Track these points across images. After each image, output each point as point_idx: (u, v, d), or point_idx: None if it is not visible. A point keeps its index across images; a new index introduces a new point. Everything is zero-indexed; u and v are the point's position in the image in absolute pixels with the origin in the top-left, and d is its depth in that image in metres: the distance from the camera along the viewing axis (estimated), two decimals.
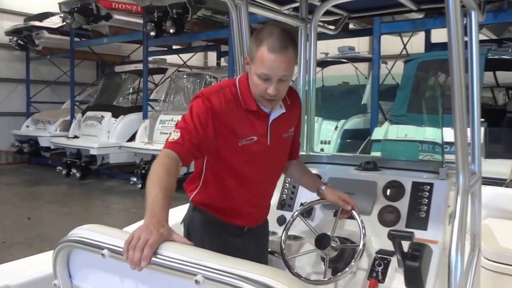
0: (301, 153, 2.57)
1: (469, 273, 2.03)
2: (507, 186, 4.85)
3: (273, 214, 2.18)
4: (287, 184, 2.22)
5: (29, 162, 12.50)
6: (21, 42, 12.23)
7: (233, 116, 1.70)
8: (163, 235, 1.22)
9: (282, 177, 2.26)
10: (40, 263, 1.97)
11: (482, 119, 5.49)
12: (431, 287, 1.71)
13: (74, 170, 10.18)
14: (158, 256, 1.15)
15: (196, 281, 1.04)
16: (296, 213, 2.01)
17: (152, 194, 1.41)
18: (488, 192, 2.99)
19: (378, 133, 5.94)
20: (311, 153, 2.52)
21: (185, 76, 10.24)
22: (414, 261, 1.68)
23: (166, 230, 1.25)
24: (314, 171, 2.21)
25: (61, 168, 10.43)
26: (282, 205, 2.20)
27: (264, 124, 1.77)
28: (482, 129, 5.56)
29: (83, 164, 10.12)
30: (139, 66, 11.10)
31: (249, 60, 1.72)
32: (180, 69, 11.82)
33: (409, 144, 2.10)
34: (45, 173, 11.03)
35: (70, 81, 12.23)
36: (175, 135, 1.62)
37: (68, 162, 10.34)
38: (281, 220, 2.14)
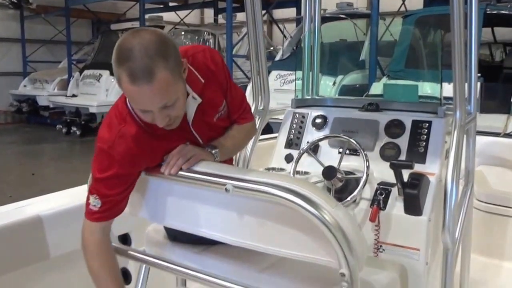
0: (306, 97, 2.70)
1: (463, 204, 2.20)
2: None
3: (281, 152, 2.32)
4: (294, 125, 2.34)
5: (28, 122, 12.55)
6: (14, 0, 12.04)
7: (153, 148, 1.41)
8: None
9: (290, 116, 2.38)
10: (69, 196, 2.13)
11: (479, 74, 5.63)
12: (428, 213, 1.85)
13: (74, 128, 10.30)
14: (193, 171, 1.30)
15: (226, 189, 1.19)
16: (304, 148, 2.15)
17: None
18: (482, 140, 3.15)
19: (376, 88, 6.04)
20: (316, 97, 2.63)
21: (183, 33, 10.21)
22: (413, 189, 1.83)
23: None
24: (320, 112, 2.33)
25: (61, 126, 10.56)
26: (289, 144, 2.32)
27: (186, 132, 1.46)
28: (478, 84, 5.70)
29: (83, 122, 10.22)
30: (136, 24, 11.01)
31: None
32: (176, 27, 11.74)
33: (409, 86, 2.21)
34: (45, 132, 11.12)
35: (66, 40, 12.12)
36: (96, 202, 1.40)
37: (68, 120, 10.46)
38: (288, 158, 2.27)
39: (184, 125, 1.44)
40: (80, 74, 10.83)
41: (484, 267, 2.98)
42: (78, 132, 10.22)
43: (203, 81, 1.47)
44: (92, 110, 9.82)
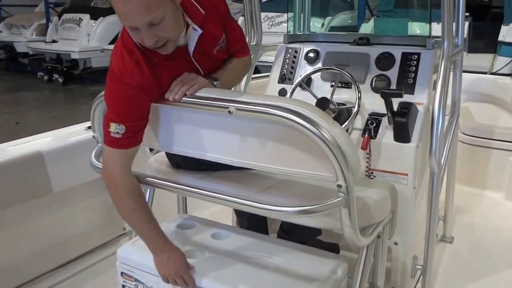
0: (297, 33, 2.71)
1: (449, 133, 2.30)
2: None
3: (274, 87, 2.36)
4: (287, 60, 2.37)
5: (6, 70, 12.16)
6: None
7: (159, 76, 1.43)
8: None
9: (282, 52, 2.41)
10: (67, 134, 2.18)
11: (467, 14, 5.65)
12: (416, 140, 1.94)
13: (56, 76, 10.04)
14: (197, 97, 1.36)
15: (229, 112, 1.25)
16: (297, 81, 2.20)
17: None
18: (468, 78, 3.24)
19: (365, 29, 6.04)
20: (307, 33, 2.65)
21: None
22: (403, 117, 1.91)
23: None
24: (311, 47, 2.36)
25: (42, 74, 10.28)
26: (282, 79, 2.35)
27: (188, 63, 1.50)
28: (466, 23, 5.73)
29: (65, 69, 9.98)
30: None
31: None
32: None
33: (399, 20, 2.22)
34: (26, 79, 10.83)
35: None
36: (119, 128, 1.41)
37: (49, 67, 10.17)
38: (282, 93, 2.31)
39: (186, 56, 1.49)
40: (59, 19, 10.47)
41: (468, 195, 3.16)
42: (60, 80, 9.99)
43: (203, 12, 1.50)
44: (74, 56, 9.58)
